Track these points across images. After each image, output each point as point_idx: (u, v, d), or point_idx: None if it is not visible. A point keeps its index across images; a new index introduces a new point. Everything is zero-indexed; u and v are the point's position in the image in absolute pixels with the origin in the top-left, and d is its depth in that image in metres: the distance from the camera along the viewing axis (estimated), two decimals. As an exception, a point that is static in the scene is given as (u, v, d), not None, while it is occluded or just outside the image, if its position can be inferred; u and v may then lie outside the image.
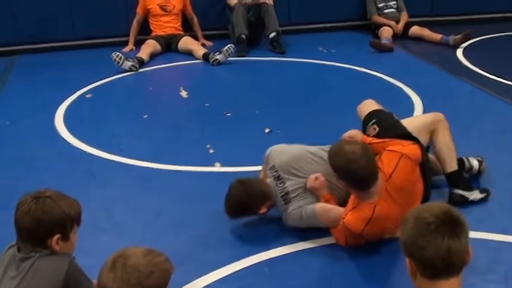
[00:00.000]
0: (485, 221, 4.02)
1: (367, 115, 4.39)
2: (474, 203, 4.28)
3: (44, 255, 2.69)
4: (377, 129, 4.22)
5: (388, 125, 4.24)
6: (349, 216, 3.68)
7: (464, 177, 4.48)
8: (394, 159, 3.77)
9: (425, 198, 3.94)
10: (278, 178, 4.04)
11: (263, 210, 4.03)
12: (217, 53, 7.76)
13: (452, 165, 4.35)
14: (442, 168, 4.38)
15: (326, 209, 3.87)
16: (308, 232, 3.91)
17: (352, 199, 3.77)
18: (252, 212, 4.04)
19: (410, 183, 3.81)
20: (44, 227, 2.68)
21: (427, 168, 4.03)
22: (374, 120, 4.29)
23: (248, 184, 4.03)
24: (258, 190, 4.02)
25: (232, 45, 7.84)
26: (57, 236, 2.70)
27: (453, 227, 2.12)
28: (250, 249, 3.80)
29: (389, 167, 3.74)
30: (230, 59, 7.79)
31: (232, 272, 3.59)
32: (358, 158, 3.58)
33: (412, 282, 2.21)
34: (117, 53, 7.50)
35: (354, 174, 3.61)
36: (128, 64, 7.47)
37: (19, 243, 2.74)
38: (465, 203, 4.23)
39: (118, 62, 7.43)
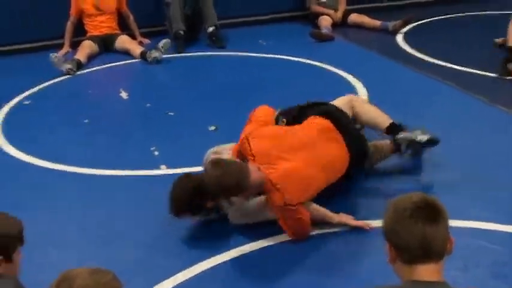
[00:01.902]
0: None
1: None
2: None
3: (-14, 279, 2.55)
4: (285, 120, 4.39)
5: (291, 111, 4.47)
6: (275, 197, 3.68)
7: (403, 124, 4.53)
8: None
9: (359, 150, 4.15)
10: None
11: (206, 206, 3.93)
12: (153, 50, 7.63)
13: (384, 120, 4.50)
14: (378, 130, 4.52)
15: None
16: (257, 233, 3.86)
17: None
18: (196, 207, 3.92)
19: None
20: (-16, 249, 2.54)
21: (337, 116, 4.23)
22: (281, 117, 4.45)
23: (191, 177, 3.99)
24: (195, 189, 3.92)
25: (168, 40, 7.71)
26: (-1, 258, 2.56)
27: (429, 212, 2.17)
28: (200, 254, 3.73)
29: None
30: (169, 56, 7.66)
31: (182, 280, 3.51)
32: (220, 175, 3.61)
33: (392, 268, 2.24)
34: (55, 55, 7.32)
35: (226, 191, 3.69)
36: (66, 67, 7.28)
37: (-40, 268, 2.60)
38: (415, 146, 4.38)
39: (56, 64, 7.23)
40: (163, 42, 7.61)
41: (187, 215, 3.94)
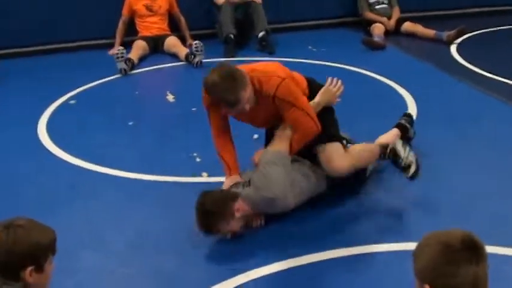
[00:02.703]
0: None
1: None
2: None
3: (15, 289, 2.51)
4: None
5: None
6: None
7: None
8: None
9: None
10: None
11: (237, 211, 3.83)
12: (192, 56, 7.59)
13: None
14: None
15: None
16: (297, 248, 3.76)
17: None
18: (226, 213, 3.82)
19: None
20: (16, 259, 2.50)
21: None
22: None
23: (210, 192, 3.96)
24: (219, 193, 3.96)
25: (198, 41, 7.67)
26: (30, 268, 2.52)
27: (478, 252, 2.07)
28: (237, 267, 3.62)
29: None
30: (218, 59, 7.59)
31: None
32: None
33: None
34: (122, 50, 7.35)
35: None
36: (121, 66, 7.31)
37: (-10, 275, 2.56)
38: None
39: (118, 58, 7.28)
40: (194, 45, 7.58)
41: (217, 230, 3.86)
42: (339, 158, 4.07)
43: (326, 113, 4.23)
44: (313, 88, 4.28)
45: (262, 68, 4.06)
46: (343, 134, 4.54)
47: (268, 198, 3.82)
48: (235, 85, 3.77)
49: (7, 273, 2.52)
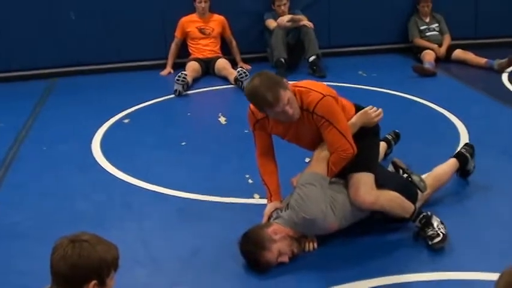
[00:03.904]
0: None
1: None
2: None
3: (78, 302, 2.58)
4: None
5: None
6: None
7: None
8: None
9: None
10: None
11: (275, 234, 3.81)
12: (240, 82, 7.62)
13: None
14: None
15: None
16: (335, 276, 3.73)
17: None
18: (264, 242, 3.80)
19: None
20: (80, 272, 2.58)
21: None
22: None
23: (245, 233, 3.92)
24: (251, 228, 3.94)
25: (240, 68, 7.77)
26: (93, 282, 2.59)
27: None
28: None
29: None
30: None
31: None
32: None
33: None
34: (185, 74, 7.48)
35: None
36: (178, 87, 7.43)
37: (54, 287, 2.63)
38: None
39: (178, 80, 7.40)
40: (238, 72, 7.63)
41: (267, 262, 3.82)
42: (366, 190, 3.94)
43: (369, 139, 4.17)
44: None
45: (306, 84, 4.06)
46: (399, 163, 4.52)
47: (307, 219, 3.78)
48: (274, 84, 3.78)
49: (71, 286, 2.59)
